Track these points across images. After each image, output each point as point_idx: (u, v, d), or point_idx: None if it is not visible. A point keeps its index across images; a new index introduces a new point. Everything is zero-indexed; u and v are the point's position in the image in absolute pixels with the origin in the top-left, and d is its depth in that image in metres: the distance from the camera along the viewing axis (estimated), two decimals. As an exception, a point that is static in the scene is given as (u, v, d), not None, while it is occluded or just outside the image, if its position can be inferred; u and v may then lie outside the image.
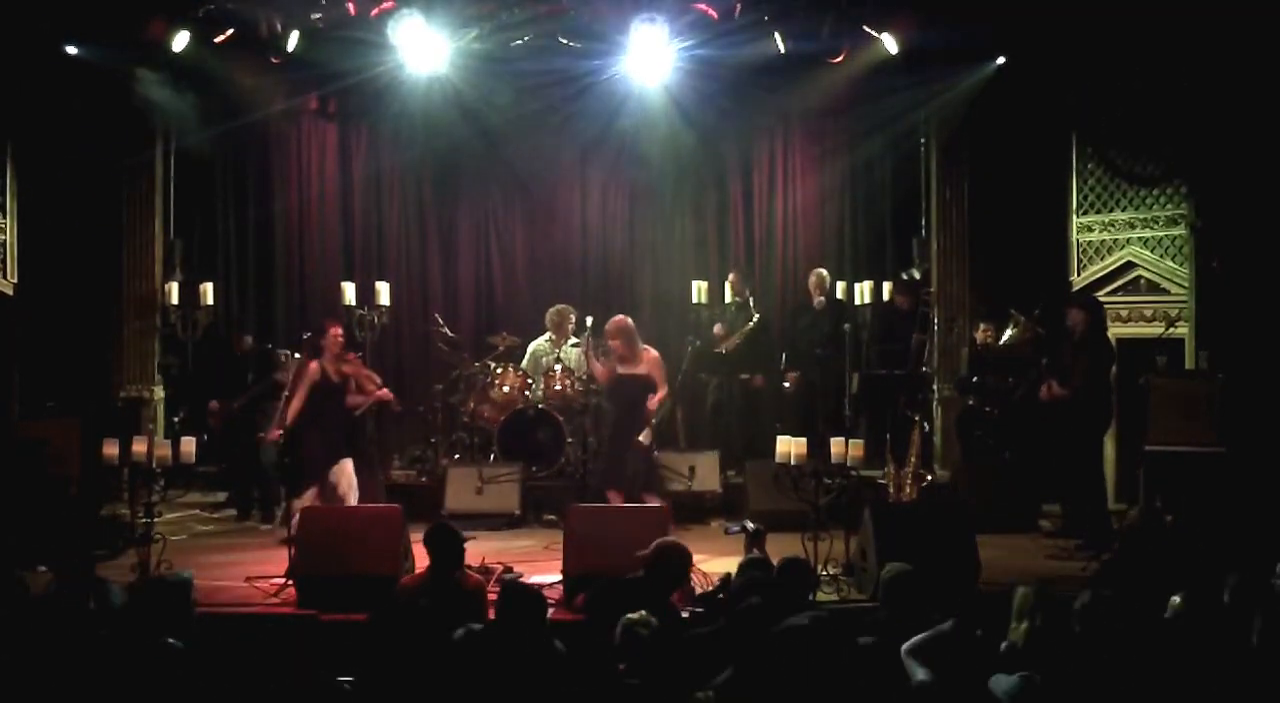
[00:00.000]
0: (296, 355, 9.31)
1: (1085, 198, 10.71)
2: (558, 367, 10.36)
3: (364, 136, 11.78)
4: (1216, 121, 9.40)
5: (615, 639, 4.86)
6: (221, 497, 10.41)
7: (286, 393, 8.72)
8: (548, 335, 10.76)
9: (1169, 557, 6.32)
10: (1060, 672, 4.08)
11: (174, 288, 10.95)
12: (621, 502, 8.87)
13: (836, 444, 7.54)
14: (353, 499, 8.63)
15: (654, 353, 9.52)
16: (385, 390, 9.24)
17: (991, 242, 10.87)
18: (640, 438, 9.25)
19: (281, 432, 8.55)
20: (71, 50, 10.09)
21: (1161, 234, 10.12)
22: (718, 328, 10.88)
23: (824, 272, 11.16)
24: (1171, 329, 9.46)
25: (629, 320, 9.54)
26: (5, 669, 4.23)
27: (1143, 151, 10.18)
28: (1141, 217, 10.28)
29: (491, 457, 10.21)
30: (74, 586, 5.41)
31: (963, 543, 7.35)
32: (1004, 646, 4.84)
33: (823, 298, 11.03)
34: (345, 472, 8.68)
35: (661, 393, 9.42)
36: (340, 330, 8.92)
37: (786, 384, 10.97)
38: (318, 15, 10.09)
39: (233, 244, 11.72)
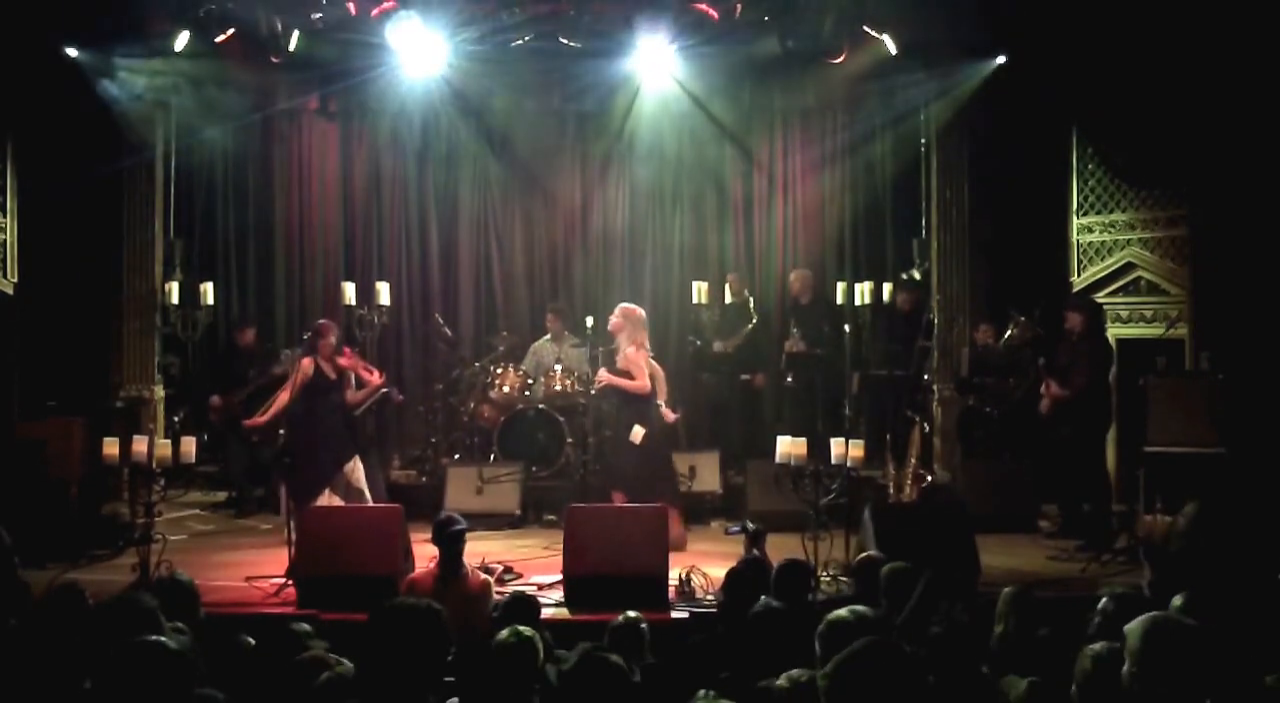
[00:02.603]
0: (295, 350, 9.28)
1: (1085, 198, 10.71)
2: (558, 367, 10.36)
3: (364, 136, 11.79)
4: (1216, 121, 9.39)
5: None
6: (221, 497, 10.43)
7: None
8: (549, 335, 10.77)
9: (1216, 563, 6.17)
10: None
11: (174, 288, 10.95)
12: (624, 502, 8.82)
13: (836, 444, 7.54)
14: (367, 498, 8.56)
15: (632, 351, 9.00)
16: (380, 379, 9.00)
17: (991, 242, 10.87)
18: (631, 437, 8.90)
19: (264, 421, 8.57)
20: (72, 52, 10.10)
21: (1161, 235, 10.11)
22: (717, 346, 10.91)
23: (807, 272, 11.16)
24: (1171, 330, 9.45)
25: (632, 312, 9.11)
26: (5, 670, 4.22)
27: (1143, 152, 10.17)
28: (1141, 217, 10.27)
29: (491, 457, 10.21)
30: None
31: (963, 543, 7.35)
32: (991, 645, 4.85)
33: (810, 297, 11.05)
34: (355, 471, 8.63)
35: (633, 383, 8.87)
36: (332, 340, 8.69)
37: (790, 379, 10.96)
38: (318, 15, 10.10)
39: (233, 244, 11.74)
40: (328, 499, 8.43)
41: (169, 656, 3.30)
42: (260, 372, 10.23)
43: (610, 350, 9.35)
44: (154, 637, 3.38)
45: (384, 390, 9.34)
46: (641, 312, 9.18)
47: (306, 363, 8.57)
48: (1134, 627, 3.46)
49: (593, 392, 9.04)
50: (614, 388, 9.03)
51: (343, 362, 8.70)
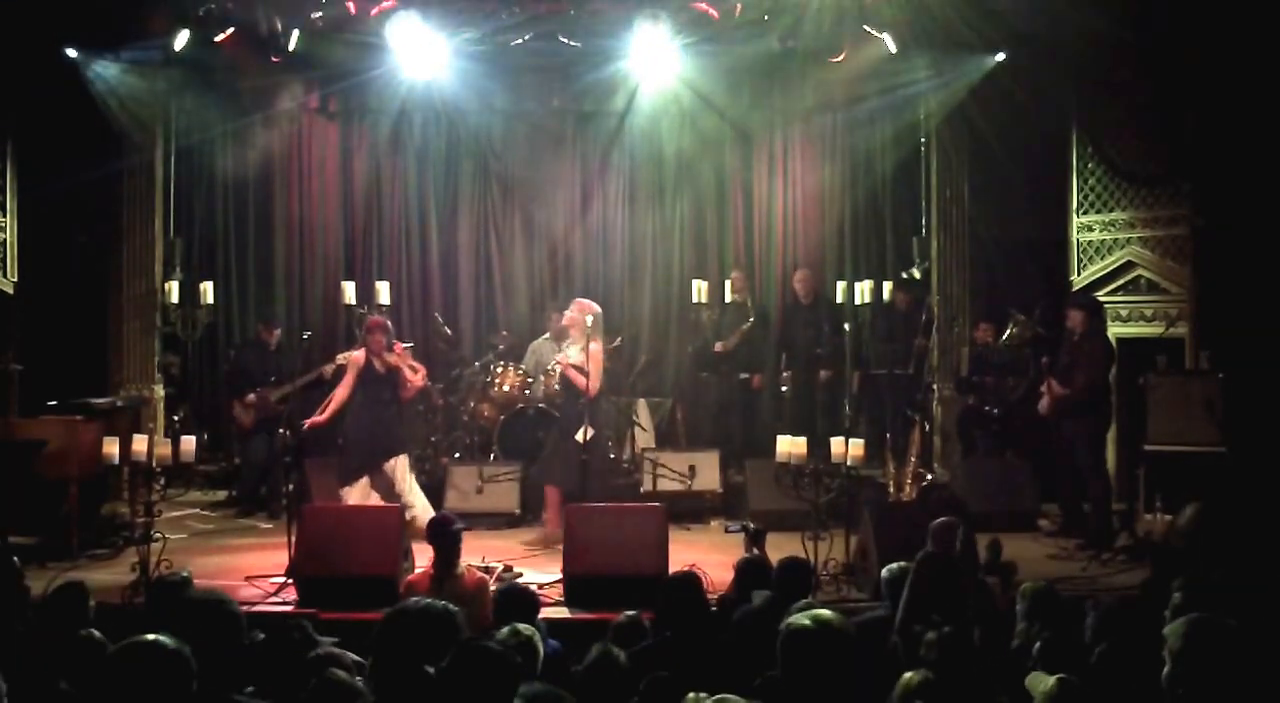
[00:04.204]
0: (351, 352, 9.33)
1: (1085, 197, 10.70)
2: (558, 366, 10.34)
3: (364, 136, 11.79)
4: (1217, 120, 9.39)
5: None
6: (221, 496, 10.42)
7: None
8: (548, 334, 10.77)
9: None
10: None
11: (174, 287, 10.95)
12: (558, 500, 8.72)
13: (836, 444, 7.54)
14: (408, 490, 8.75)
15: (596, 348, 8.91)
16: (424, 380, 9.32)
17: (991, 241, 10.87)
18: (576, 436, 8.70)
19: (326, 419, 8.71)
20: (71, 52, 10.10)
21: (1161, 234, 10.11)
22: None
23: (807, 271, 11.17)
24: (1172, 329, 9.45)
25: (592, 308, 8.98)
26: (5, 670, 4.22)
27: (1143, 151, 10.17)
28: (1142, 216, 10.26)
29: (491, 456, 10.21)
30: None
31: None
32: (1014, 644, 4.82)
33: (812, 297, 11.06)
34: (400, 465, 8.81)
35: (588, 382, 8.67)
36: (381, 337, 8.92)
37: (784, 389, 10.99)
38: (318, 15, 10.11)
39: (233, 244, 11.73)
40: (366, 495, 8.52)
41: (169, 655, 3.30)
42: (300, 369, 10.19)
43: (616, 348, 9.36)
44: (153, 636, 3.37)
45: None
46: (598, 308, 9.06)
47: (360, 355, 8.85)
48: (1174, 628, 3.43)
49: (551, 368, 9.03)
50: (566, 379, 8.96)
51: (391, 360, 8.83)
